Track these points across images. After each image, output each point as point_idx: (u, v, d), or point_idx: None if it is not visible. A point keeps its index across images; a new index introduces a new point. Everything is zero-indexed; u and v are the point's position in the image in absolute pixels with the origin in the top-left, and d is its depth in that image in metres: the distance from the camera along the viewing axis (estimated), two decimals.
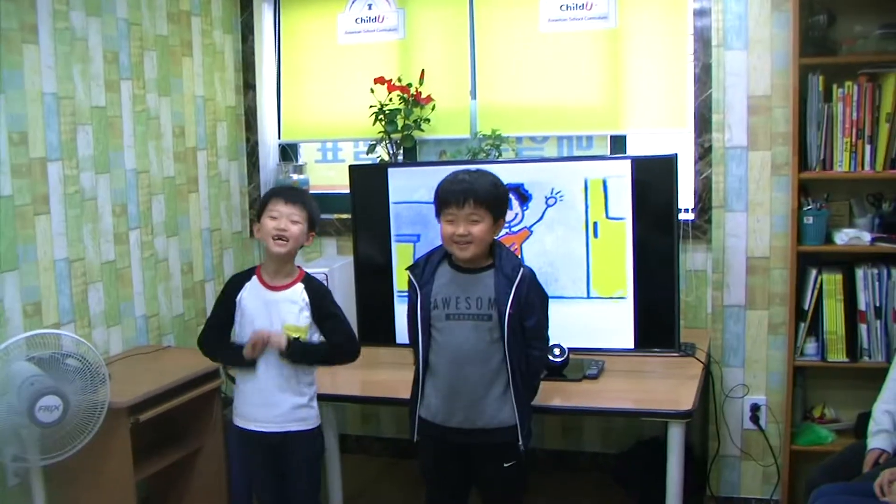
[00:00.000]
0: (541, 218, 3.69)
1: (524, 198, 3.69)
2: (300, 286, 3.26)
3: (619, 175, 3.57)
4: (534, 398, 3.20)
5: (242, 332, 3.27)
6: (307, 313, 3.24)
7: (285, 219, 3.19)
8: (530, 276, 3.09)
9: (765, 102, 4.08)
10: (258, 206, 3.33)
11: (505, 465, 3.08)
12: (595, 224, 3.63)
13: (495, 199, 3.02)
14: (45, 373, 3.18)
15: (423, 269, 3.14)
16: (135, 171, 4.19)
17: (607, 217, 3.61)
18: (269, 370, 3.23)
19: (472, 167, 3.19)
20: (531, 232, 3.71)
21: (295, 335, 3.21)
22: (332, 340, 3.29)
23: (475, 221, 2.99)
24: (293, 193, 3.29)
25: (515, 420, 3.05)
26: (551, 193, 3.66)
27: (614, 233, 3.60)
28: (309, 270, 3.37)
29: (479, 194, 2.98)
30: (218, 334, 3.35)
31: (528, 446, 3.09)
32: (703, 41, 4.16)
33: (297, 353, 3.21)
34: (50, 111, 3.70)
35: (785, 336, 4.02)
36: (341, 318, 3.31)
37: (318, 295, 3.28)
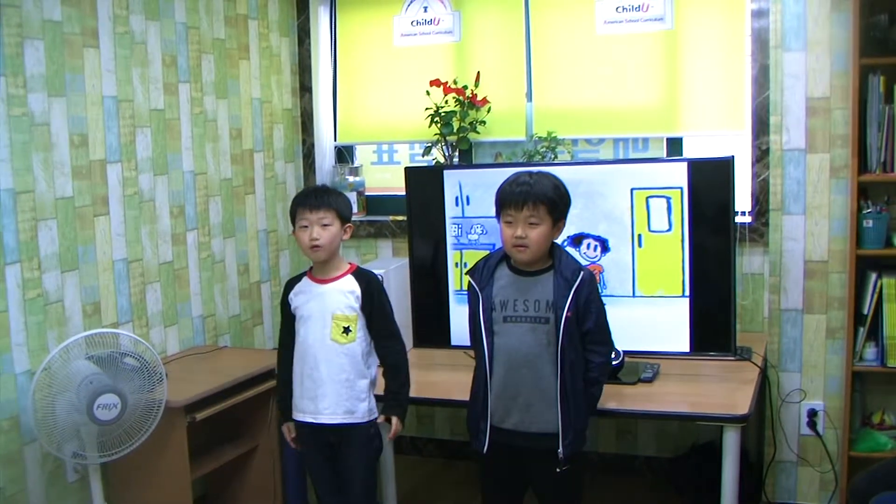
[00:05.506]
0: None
1: (605, 247, 3.68)
2: (350, 277, 3.30)
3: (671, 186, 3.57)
4: (594, 407, 3.17)
5: (299, 330, 3.31)
6: (357, 304, 3.26)
7: (316, 226, 3.22)
8: (590, 279, 3.07)
9: (824, 104, 4.03)
10: (290, 217, 3.35)
11: (558, 469, 3.03)
12: (640, 236, 3.63)
13: (555, 201, 2.99)
14: (103, 371, 3.22)
15: (482, 272, 3.13)
16: (192, 173, 4.24)
17: (650, 231, 3.61)
18: (321, 360, 3.25)
19: (534, 169, 3.17)
20: (603, 267, 3.70)
21: (344, 325, 3.24)
22: (388, 361, 3.34)
23: (534, 224, 2.96)
24: (316, 198, 3.28)
25: (558, 427, 3.01)
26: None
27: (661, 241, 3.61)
28: None
29: (538, 197, 2.95)
30: (286, 337, 3.39)
31: (572, 455, 3.03)
32: (760, 42, 4.11)
33: (404, 410, 3.35)
34: (110, 114, 3.76)
35: (843, 341, 3.97)
36: (390, 317, 3.35)
37: (369, 285, 3.30)
